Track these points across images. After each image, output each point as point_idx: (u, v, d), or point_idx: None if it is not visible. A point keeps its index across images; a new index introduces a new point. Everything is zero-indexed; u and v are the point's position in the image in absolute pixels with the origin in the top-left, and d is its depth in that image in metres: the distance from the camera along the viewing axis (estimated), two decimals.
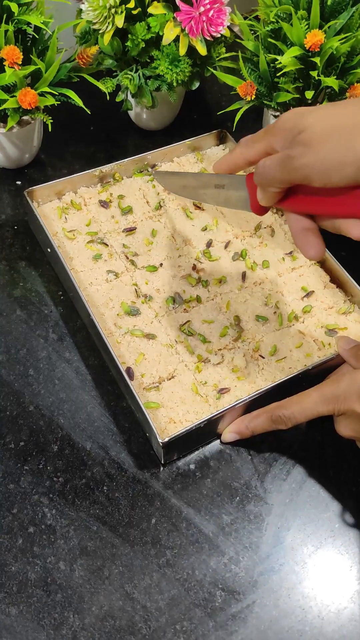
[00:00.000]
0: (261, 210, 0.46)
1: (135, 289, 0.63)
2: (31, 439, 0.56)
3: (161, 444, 0.51)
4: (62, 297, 0.65)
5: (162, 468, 0.55)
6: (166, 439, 0.51)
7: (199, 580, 0.50)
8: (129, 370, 0.57)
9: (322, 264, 0.66)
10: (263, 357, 0.59)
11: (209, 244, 0.67)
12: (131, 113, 0.79)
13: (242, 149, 0.44)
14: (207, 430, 0.54)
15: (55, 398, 0.59)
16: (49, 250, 0.66)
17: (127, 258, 0.66)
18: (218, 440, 0.57)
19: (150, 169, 0.73)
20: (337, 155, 0.36)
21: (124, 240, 0.67)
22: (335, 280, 0.65)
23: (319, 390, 0.50)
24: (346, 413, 0.49)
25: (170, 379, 0.58)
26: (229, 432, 0.56)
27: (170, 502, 0.53)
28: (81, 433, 0.56)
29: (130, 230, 0.68)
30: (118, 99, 0.72)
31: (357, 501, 0.54)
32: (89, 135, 0.80)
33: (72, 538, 0.51)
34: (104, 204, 0.70)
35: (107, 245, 0.67)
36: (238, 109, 0.69)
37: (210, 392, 0.57)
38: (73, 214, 0.69)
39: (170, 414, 0.55)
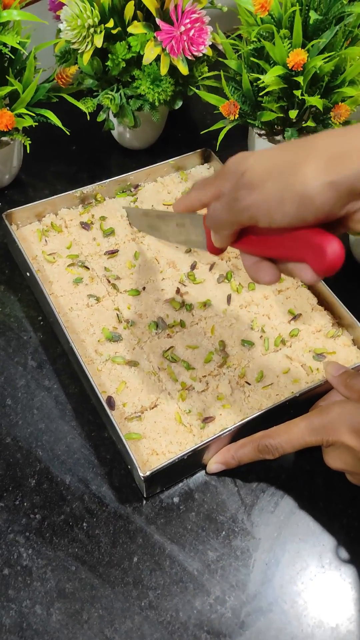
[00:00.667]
0: (216, 251, 0.47)
1: (117, 314, 0.61)
2: (7, 473, 0.53)
3: (143, 478, 0.49)
4: (42, 323, 0.63)
5: (144, 502, 0.52)
6: (148, 473, 0.49)
7: (184, 622, 0.47)
8: (109, 400, 0.55)
9: (310, 285, 0.64)
10: (249, 384, 0.57)
11: (193, 266, 0.65)
12: (114, 132, 0.77)
13: (197, 192, 0.44)
14: (191, 462, 0.52)
15: (33, 429, 0.56)
16: (28, 274, 0.64)
17: (109, 282, 0.64)
18: (203, 471, 0.54)
19: (133, 189, 0.72)
20: (277, 194, 0.37)
21: (106, 263, 0.66)
22: (322, 302, 0.63)
23: (308, 419, 0.48)
24: (335, 444, 0.47)
25: (152, 408, 0.56)
26: (215, 462, 0.53)
27: (153, 539, 0.51)
28: (60, 466, 0.54)
29: (112, 253, 0.66)
30: (99, 119, 0.70)
31: (348, 534, 0.52)
32: (71, 155, 0.79)
33: (50, 580, 0.48)
34: (86, 226, 0.68)
35: (88, 268, 0.65)
36: (222, 128, 0.67)
37: (195, 422, 0.55)
38: (53, 237, 0.67)
39: (152, 445, 0.53)
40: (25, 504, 0.52)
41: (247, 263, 0.43)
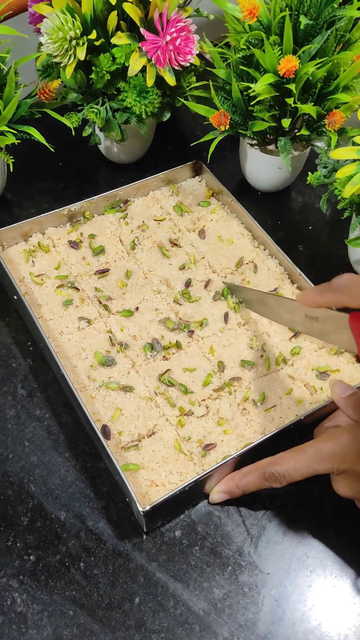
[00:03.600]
0: None
1: (110, 337, 0.59)
2: None
3: (142, 513, 0.46)
4: (31, 348, 0.60)
5: (144, 537, 0.49)
6: (148, 507, 0.46)
7: None
8: (104, 429, 0.52)
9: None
10: (256, 406, 0.54)
11: (188, 284, 0.63)
12: (101, 147, 0.75)
13: (323, 297, 0.47)
14: (192, 492, 0.49)
15: (25, 462, 0.53)
16: (15, 297, 0.61)
17: (100, 303, 0.61)
18: (205, 500, 0.51)
19: (122, 205, 0.69)
20: None
21: (96, 283, 0.63)
22: None
23: (316, 446, 0.45)
24: (346, 472, 0.44)
25: (150, 436, 0.53)
26: (218, 492, 0.51)
27: (155, 577, 0.48)
28: (54, 501, 0.51)
29: (103, 272, 0.63)
30: (85, 134, 0.68)
31: None
32: (58, 171, 0.76)
33: (46, 627, 0.45)
34: (74, 245, 0.65)
35: (78, 289, 0.62)
36: (212, 139, 0.65)
37: (195, 449, 0.52)
38: (41, 257, 0.65)
39: (151, 475, 0.50)
40: (18, 544, 0.49)
41: None
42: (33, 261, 0.64)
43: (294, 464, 0.46)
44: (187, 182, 0.72)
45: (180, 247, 0.66)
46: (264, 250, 0.66)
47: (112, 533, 0.50)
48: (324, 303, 0.48)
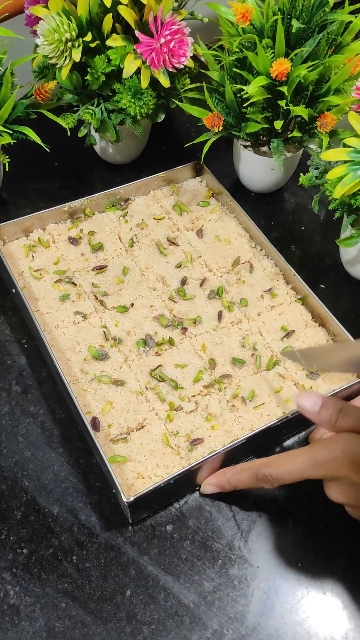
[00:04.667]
0: None
1: (104, 332, 0.60)
2: None
3: (126, 503, 0.47)
4: (26, 346, 0.61)
5: (136, 531, 0.50)
6: (132, 498, 0.47)
7: None
8: (94, 421, 0.53)
9: (304, 301, 0.62)
10: (245, 403, 0.55)
11: (184, 282, 0.64)
12: (96, 147, 0.76)
13: None
14: (179, 485, 0.50)
15: (19, 457, 0.54)
16: (13, 291, 0.62)
17: (96, 298, 0.62)
18: (196, 494, 0.52)
19: (123, 203, 0.70)
20: None
21: (94, 279, 0.64)
22: (316, 318, 0.61)
23: (310, 452, 0.46)
24: (338, 479, 0.45)
25: (139, 429, 0.54)
26: (209, 484, 0.51)
27: (146, 570, 0.48)
28: (47, 496, 0.52)
29: (101, 269, 0.64)
30: (80, 134, 0.69)
31: (349, 558, 0.50)
32: (53, 171, 0.77)
33: (38, 618, 0.46)
34: (74, 241, 0.66)
35: (75, 284, 0.63)
36: (206, 141, 0.66)
37: (182, 443, 0.53)
38: (41, 252, 0.66)
39: (138, 468, 0.51)
40: (11, 538, 0.49)
41: None
42: (33, 256, 0.65)
43: (287, 468, 0.46)
44: (188, 182, 0.73)
45: (177, 245, 0.67)
46: (261, 250, 0.67)
47: (104, 527, 0.50)
48: None
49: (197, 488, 0.52)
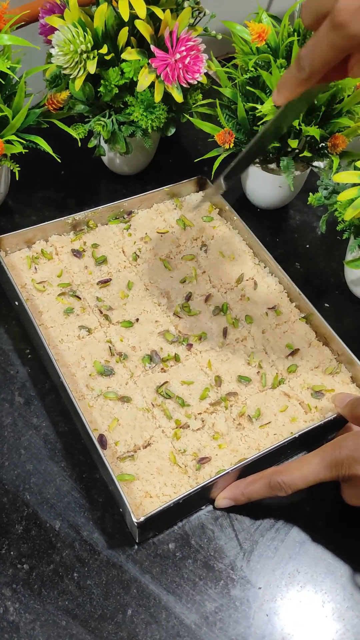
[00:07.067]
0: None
1: (110, 347, 0.59)
2: None
3: (136, 524, 0.47)
4: (29, 356, 0.61)
5: (139, 549, 0.50)
6: (142, 519, 0.47)
7: None
8: (101, 438, 0.53)
9: (308, 319, 0.62)
10: (252, 421, 0.55)
11: (188, 297, 0.64)
12: (104, 157, 0.75)
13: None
14: (186, 505, 0.50)
15: (21, 470, 0.53)
16: (16, 303, 0.61)
17: (101, 312, 0.62)
18: (199, 513, 0.52)
19: (126, 216, 0.70)
20: None
21: (98, 292, 0.63)
22: (321, 337, 0.61)
23: (321, 455, 0.46)
24: (352, 480, 0.45)
25: (146, 447, 0.53)
26: (223, 497, 0.51)
27: (148, 589, 0.48)
28: (49, 510, 0.51)
29: (105, 282, 0.64)
30: (90, 145, 0.68)
31: (352, 579, 0.50)
32: (60, 180, 0.77)
33: (38, 636, 0.45)
34: (77, 254, 0.66)
35: (79, 298, 0.62)
36: (215, 156, 0.66)
37: (190, 462, 0.53)
38: (43, 264, 0.65)
39: (146, 487, 0.51)
40: (12, 552, 0.49)
41: None
42: (35, 268, 0.64)
43: (299, 474, 0.47)
44: (191, 197, 0.73)
45: (182, 260, 0.67)
46: (264, 267, 0.67)
47: (106, 544, 0.50)
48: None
49: (202, 507, 0.52)
